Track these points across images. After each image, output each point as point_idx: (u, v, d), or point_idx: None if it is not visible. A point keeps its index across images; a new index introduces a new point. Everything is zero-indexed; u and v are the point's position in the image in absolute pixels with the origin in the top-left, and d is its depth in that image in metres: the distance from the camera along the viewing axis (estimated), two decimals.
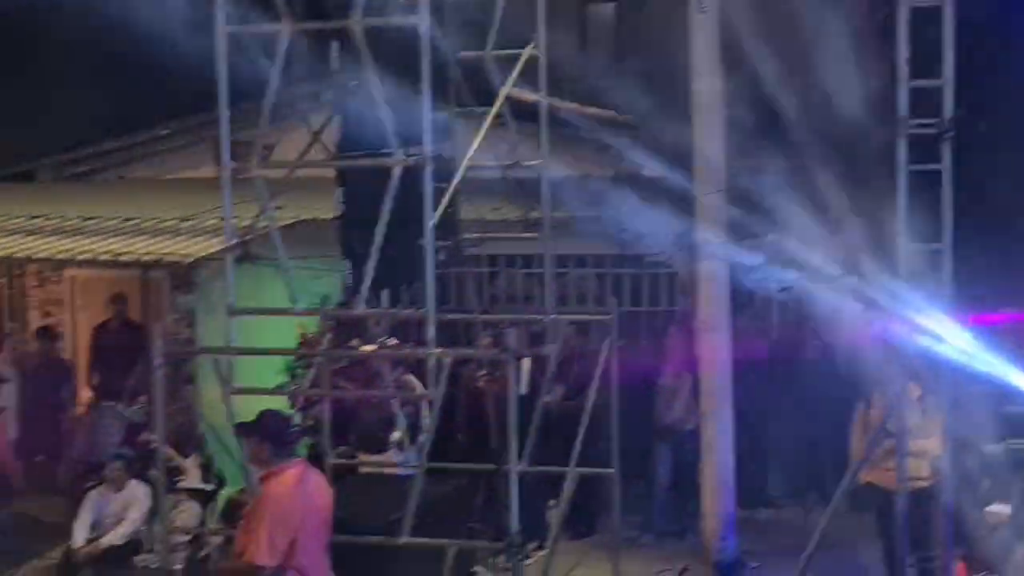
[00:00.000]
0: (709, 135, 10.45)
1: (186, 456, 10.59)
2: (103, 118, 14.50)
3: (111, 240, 11.33)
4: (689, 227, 10.64)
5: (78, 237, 11.56)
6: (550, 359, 8.50)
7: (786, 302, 9.95)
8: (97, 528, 9.99)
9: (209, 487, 10.63)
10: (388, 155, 6.88)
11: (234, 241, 7.71)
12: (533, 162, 8.50)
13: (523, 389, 9.98)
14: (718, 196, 10.43)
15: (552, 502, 10.09)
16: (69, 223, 12.09)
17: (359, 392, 10.50)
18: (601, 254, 12.42)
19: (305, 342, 11.37)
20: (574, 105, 12.45)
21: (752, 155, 11.47)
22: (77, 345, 13.62)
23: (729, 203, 10.51)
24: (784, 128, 10.63)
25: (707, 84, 10.39)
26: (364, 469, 9.69)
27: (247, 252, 9.57)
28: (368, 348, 9.20)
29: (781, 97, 10.32)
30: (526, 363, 10.38)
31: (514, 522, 7.11)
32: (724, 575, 10.48)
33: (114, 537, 9.91)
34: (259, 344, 8.57)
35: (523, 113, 8.48)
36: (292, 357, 11.56)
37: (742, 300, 11.01)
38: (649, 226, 11.00)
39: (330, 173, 7.95)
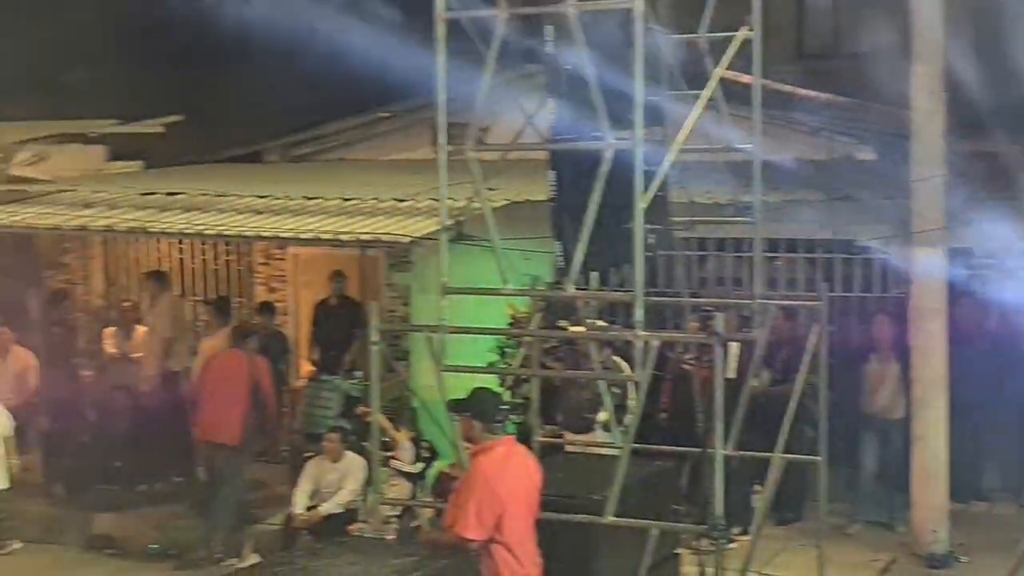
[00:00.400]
0: (929, 119, 10.18)
1: (398, 430, 10.89)
2: (326, 102, 14.89)
3: (332, 219, 11.62)
4: (906, 212, 10.41)
5: (301, 216, 11.87)
6: (758, 344, 8.45)
7: (1005, 291, 9.62)
8: (316, 496, 10.36)
9: (418, 468, 10.88)
10: (600, 139, 6.94)
11: (449, 222, 7.87)
12: (745, 145, 8.45)
13: (730, 373, 9.93)
14: (937, 181, 10.17)
15: (758, 487, 10.04)
16: (293, 203, 12.40)
17: (567, 372, 10.64)
18: (812, 238, 12.22)
19: (515, 322, 11.54)
20: (789, 87, 12.28)
21: (972, 139, 11.14)
22: (299, 320, 14.05)
23: (948, 188, 10.24)
24: (1005, 111, 10.29)
25: (928, 67, 10.13)
26: (569, 448, 9.80)
27: (460, 232, 9.78)
28: (577, 329, 9.31)
29: (998, 80, 9.99)
30: (734, 347, 10.31)
31: (719, 506, 7.12)
32: (934, 568, 10.26)
33: (332, 506, 10.22)
34: (470, 323, 8.68)
35: (736, 96, 8.43)
36: (503, 336, 11.77)
37: (960, 288, 10.71)
38: (863, 210, 10.80)
39: (543, 156, 8.05)
